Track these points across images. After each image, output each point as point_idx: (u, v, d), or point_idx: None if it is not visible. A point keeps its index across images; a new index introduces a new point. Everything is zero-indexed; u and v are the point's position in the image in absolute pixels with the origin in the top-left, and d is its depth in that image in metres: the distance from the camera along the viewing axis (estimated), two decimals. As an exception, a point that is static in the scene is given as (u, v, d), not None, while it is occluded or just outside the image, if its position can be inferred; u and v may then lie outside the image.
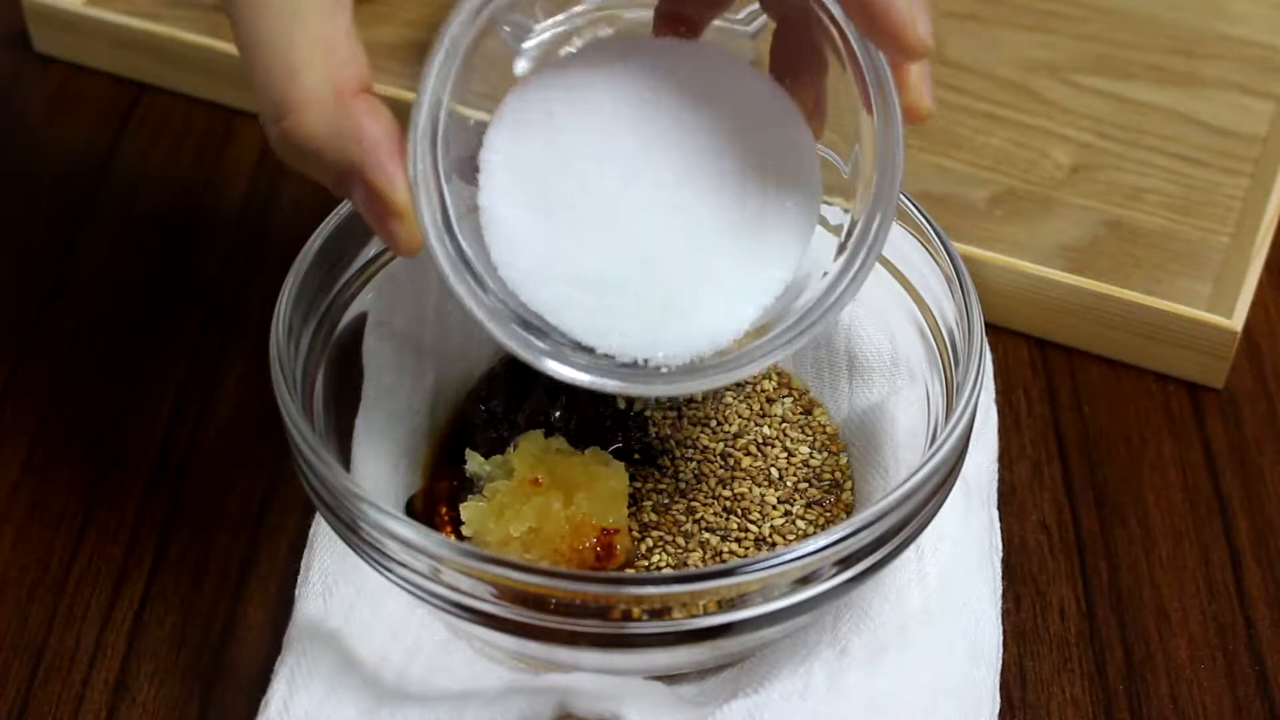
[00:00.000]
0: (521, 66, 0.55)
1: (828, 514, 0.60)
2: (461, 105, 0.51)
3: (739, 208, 0.53)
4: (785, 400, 0.63)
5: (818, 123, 0.54)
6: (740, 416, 0.62)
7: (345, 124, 0.48)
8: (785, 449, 0.62)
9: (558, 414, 0.61)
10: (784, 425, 0.63)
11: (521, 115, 0.52)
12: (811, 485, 0.61)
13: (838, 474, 0.61)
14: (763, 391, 0.63)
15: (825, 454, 0.62)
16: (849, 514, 0.60)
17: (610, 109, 0.52)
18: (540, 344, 0.52)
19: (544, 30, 0.55)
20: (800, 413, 0.63)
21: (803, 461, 0.61)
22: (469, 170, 0.52)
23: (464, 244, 0.51)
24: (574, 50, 0.55)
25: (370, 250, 0.60)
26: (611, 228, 0.52)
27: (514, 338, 0.51)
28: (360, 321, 0.61)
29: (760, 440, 0.62)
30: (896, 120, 0.49)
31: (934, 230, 0.58)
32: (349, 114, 0.48)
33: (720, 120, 0.53)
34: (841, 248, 0.53)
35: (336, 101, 0.48)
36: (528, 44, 0.55)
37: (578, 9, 0.56)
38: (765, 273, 0.53)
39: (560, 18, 0.56)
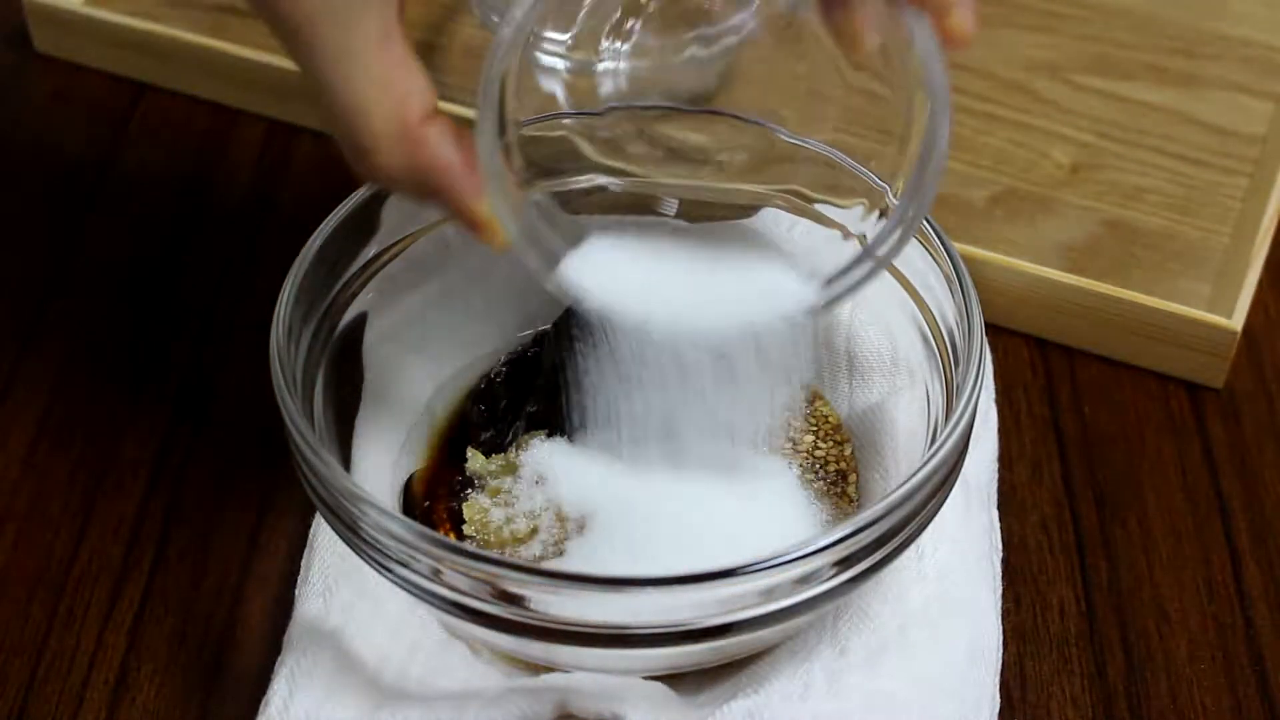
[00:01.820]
0: (546, 83, 0.56)
1: (834, 504, 0.60)
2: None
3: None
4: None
5: (869, 36, 0.53)
6: (742, 409, 0.62)
7: (417, 158, 0.50)
8: (789, 439, 0.62)
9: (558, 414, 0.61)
10: (786, 414, 0.62)
11: None
12: (818, 476, 0.61)
13: (843, 464, 0.61)
14: (761, 383, 0.64)
15: (830, 443, 0.62)
16: (856, 504, 0.60)
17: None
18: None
19: (561, 44, 0.56)
20: (802, 402, 0.63)
21: (808, 451, 0.61)
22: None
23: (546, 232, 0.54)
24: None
25: (370, 250, 0.60)
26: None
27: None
28: (360, 321, 0.61)
29: (765, 432, 0.62)
30: (931, 43, 0.48)
31: (934, 230, 0.58)
32: (418, 147, 0.50)
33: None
34: (882, 213, 0.53)
35: (403, 137, 0.50)
36: (546, 59, 0.56)
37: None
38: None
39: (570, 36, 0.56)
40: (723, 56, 0.60)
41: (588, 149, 0.59)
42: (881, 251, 0.53)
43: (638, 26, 0.57)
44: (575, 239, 0.55)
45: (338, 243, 0.59)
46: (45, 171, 0.77)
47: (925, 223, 0.58)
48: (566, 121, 0.59)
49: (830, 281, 0.54)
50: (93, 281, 0.72)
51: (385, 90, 0.49)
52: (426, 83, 0.50)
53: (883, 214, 0.54)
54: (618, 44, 0.57)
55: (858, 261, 0.54)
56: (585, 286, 0.54)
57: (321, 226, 0.58)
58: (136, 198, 0.76)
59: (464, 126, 0.50)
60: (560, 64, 0.57)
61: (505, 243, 0.52)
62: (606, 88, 0.57)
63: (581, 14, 0.57)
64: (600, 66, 0.57)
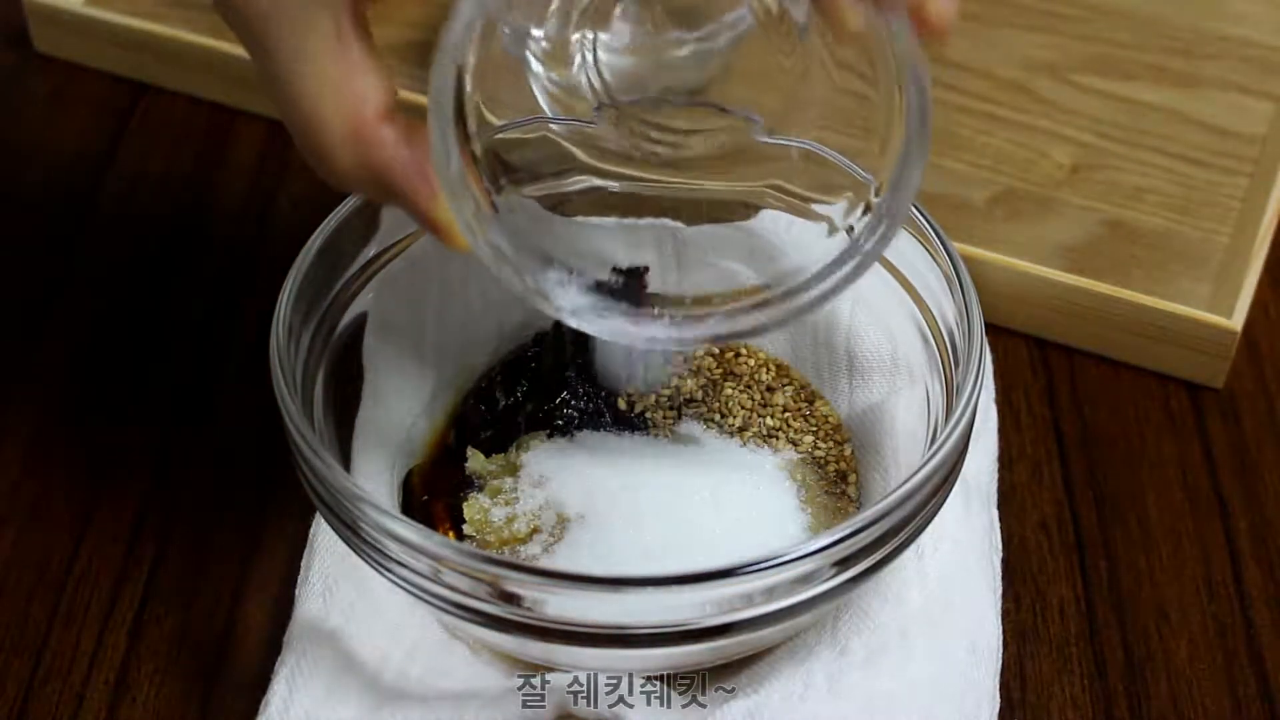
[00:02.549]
0: (528, 71, 0.55)
1: (834, 504, 0.60)
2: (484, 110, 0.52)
3: None
4: (785, 389, 0.63)
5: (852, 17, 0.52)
6: (743, 408, 0.62)
7: (370, 161, 0.49)
8: (790, 440, 0.62)
9: (558, 414, 0.61)
10: (786, 415, 0.63)
11: None
12: (818, 476, 0.61)
13: (843, 464, 0.61)
14: (761, 382, 0.63)
15: (830, 444, 0.62)
16: (856, 504, 0.60)
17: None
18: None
19: (545, 34, 0.56)
20: (802, 402, 0.63)
21: (808, 451, 0.61)
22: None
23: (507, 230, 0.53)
24: None
25: (370, 250, 0.60)
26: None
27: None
28: (360, 321, 0.61)
29: (765, 432, 0.62)
30: (909, 42, 0.48)
31: (934, 230, 0.58)
32: (373, 151, 0.49)
33: None
34: (868, 207, 0.53)
35: (357, 139, 0.49)
36: (529, 50, 0.55)
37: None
38: None
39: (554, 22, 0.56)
40: (718, 53, 0.60)
41: (577, 151, 0.59)
42: (868, 246, 0.53)
43: (618, 14, 0.56)
44: (558, 242, 0.54)
45: (338, 243, 0.59)
46: (45, 171, 0.78)
47: (925, 223, 0.58)
48: (553, 125, 0.59)
49: (818, 277, 0.54)
50: (92, 282, 0.72)
51: (338, 92, 0.49)
52: (383, 82, 0.49)
53: (868, 208, 0.54)
54: (599, 34, 0.56)
55: (845, 256, 0.53)
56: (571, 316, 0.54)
57: (321, 226, 0.58)
58: (136, 198, 0.76)
59: (424, 123, 0.49)
60: (542, 69, 0.57)
61: (464, 244, 0.51)
62: (594, 84, 0.57)
63: (553, 4, 0.56)
64: (577, 60, 0.57)
